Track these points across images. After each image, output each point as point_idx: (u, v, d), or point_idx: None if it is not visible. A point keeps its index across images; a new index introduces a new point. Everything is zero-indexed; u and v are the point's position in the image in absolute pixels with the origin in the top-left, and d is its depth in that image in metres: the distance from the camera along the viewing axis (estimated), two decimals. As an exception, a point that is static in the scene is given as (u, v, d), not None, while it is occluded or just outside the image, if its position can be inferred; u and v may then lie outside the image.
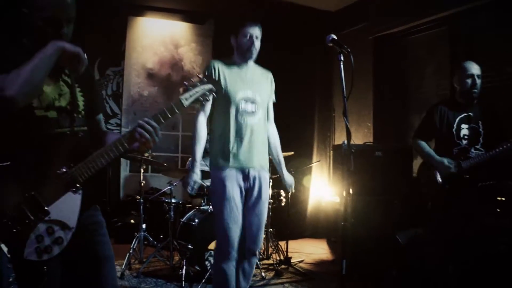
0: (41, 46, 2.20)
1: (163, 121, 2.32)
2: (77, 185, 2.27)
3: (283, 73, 7.72)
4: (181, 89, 2.43)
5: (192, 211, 5.61)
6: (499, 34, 5.77)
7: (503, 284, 4.31)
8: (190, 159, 3.86)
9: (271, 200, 5.98)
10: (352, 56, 3.07)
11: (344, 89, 3.07)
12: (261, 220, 3.92)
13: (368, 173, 5.87)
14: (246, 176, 3.81)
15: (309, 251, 6.97)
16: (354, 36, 7.84)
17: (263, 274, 5.46)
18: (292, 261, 6.05)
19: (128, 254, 5.45)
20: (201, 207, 5.62)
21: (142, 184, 5.77)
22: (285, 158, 5.81)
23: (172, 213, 5.59)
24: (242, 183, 3.80)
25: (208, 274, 4.93)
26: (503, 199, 4.85)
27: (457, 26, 6.31)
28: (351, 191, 3.00)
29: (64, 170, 2.26)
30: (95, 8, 6.98)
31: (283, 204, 6.27)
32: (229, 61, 3.91)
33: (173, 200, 5.71)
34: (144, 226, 5.70)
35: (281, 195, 6.22)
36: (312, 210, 8.27)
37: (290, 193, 6.29)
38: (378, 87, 7.43)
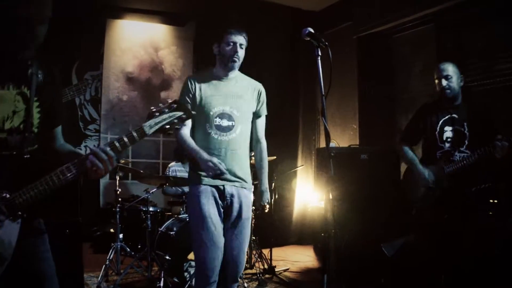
0: (14, 47, 2.10)
1: (120, 150, 2.15)
2: (17, 213, 2.08)
3: (266, 74, 7.61)
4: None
5: (171, 220, 5.39)
6: (487, 30, 5.65)
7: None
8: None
9: (253, 207, 5.77)
10: (331, 52, 2.83)
11: (322, 86, 2.81)
12: (242, 242, 3.65)
13: (354, 177, 5.69)
14: (222, 193, 3.56)
15: (294, 259, 6.77)
16: (338, 36, 7.73)
17: (246, 285, 5.25)
18: (276, 270, 5.86)
19: (104, 265, 5.21)
20: (180, 215, 5.40)
21: (118, 192, 5.52)
22: (268, 162, 5.64)
23: (149, 222, 5.35)
24: (219, 201, 3.56)
25: (187, 286, 4.71)
26: (496, 201, 4.74)
27: (444, 23, 6.19)
28: (331, 197, 2.78)
29: (5, 195, 2.07)
30: (72, 10, 6.73)
31: (266, 211, 6.06)
32: (209, 74, 3.70)
33: (150, 209, 5.48)
34: (121, 235, 5.46)
35: (264, 202, 6.03)
36: (297, 216, 8.09)
37: (273, 200, 6.10)
38: (363, 88, 7.28)
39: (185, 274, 4.86)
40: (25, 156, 2.18)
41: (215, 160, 3.38)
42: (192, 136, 3.61)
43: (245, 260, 3.78)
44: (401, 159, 4.65)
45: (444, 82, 4.22)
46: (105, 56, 7.64)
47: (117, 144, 2.14)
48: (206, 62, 7.47)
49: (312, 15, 8.08)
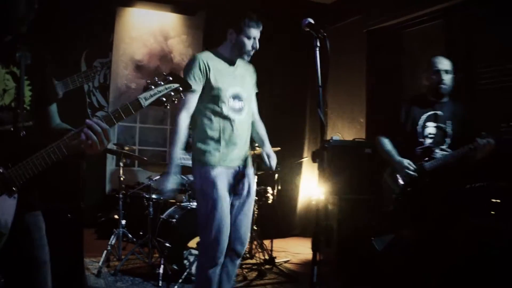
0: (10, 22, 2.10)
1: (115, 122, 2.13)
2: (13, 188, 2.09)
3: (275, 66, 7.61)
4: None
5: (173, 208, 5.43)
6: (499, 27, 5.55)
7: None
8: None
9: (257, 198, 5.80)
10: (331, 45, 2.84)
11: (320, 78, 2.81)
12: (249, 219, 3.80)
13: (357, 171, 5.70)
14: (235, 175, 3.67)
15: (296, 251, 6.76)
16: (348, 30, 7.70)
17: (246, 274, 5.28)
18: (277, 261, 5.85)
19: (105, 251, 5.27)
20: (182, 204, 5.43)
21: (122, 178, 5.56)
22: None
23: (151, 209, 5.40)
24: (231, 182, 3.65)
25: (186, 273, 4.74)
26: (498, 201, 4.69)
27: (453, 19, 6.11)
28: (324, 190, 2.79)
29: (1, 170, 2.07)
30: (83, -1, 6.82)
31: (270, 201, 6.09)
32: (217, 54, 3.70)
33: (153, 196, 5.51)
34: (124, 222, 5.50)
35: (268, 192, 6.04)
36: (301, 208, 8.09)
37: (276, 190, 6.11)
38: (371, 82, 7.23)
39: (185, 261, 4.88)
40: (22, 133, 2.18)
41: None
42: (197, 118, 3.62)
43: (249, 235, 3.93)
44: (378, 152, 4.46)
45: (445, 76, 4.14)
46: (115, 43, 7.67)
47: (112, 115, 2.13)
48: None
49: (323, 7, 8.03)
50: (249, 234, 3.85)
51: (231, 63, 3.70)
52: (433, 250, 4.22)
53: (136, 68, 7.76)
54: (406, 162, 4.12)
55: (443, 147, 4.12)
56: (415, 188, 4.14)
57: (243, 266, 5.43)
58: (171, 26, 7.99)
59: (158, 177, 5.55)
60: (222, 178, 3.55)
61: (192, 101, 3.51)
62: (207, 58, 3.61)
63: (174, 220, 5.10)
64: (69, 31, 6.98)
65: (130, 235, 5.58)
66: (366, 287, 5.13)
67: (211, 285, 3.57)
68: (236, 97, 3.63)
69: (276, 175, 6.09)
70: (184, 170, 5.51)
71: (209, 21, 7.99)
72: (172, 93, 2.21)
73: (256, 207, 5.95)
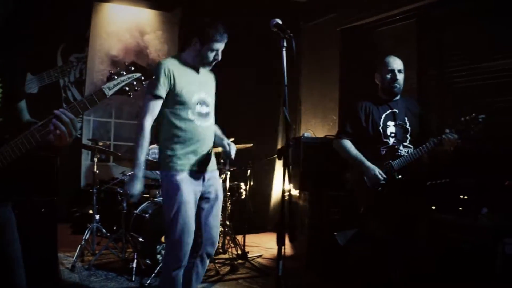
0: None
1: (81, 112, 2.20)
2: None
3: (249, 62, 7.66)
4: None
5: (146, 203, 5.47)
6: (468, 27, 5.70)
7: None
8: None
9: (228, 193, 5.88)
10: (294, 42, 2.91)
11: (286, 77, 2.89)
12: (218, 220, 3.89)
13: (328, 167, 5.77)
14: (202, 179, 3.71)
15: (269, 246, 6.84)
16: (322, 28, 7.79)
17: (218, 269, 5.35)
18: (249, 256, 5.93)
19: (80, 245, 5.30)
20: (156, 199, 5.48)
21: (96, 173, 5.60)
22: (246, 149, 5.71)
23: (125, 204, 5.45)
24: (197, 187, 3.68)
25: (158, 267, 4.80)
26: (465, 197, 4.79)
27: (426, 19, 6.23)
28: (288, 185, 2.87)
29: None
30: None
31: (243, 197, 6.16)
32: (181, 60, 3.72)
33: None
34: (98, 217, 5.54)
35: (241, 188, 6.12)
36: (275, 204, 8.14)
37: (248, 186, 6.19)
38: (344, 80, 7.32)
39: (158, 256, 4.94)
40: None
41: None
42: (164, 123, 3.65)
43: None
44: (342, 155, 4.39)
45: (398, 76, 4.18)
46: (91, 39, 7.69)
47: (77, 106, 2.19)
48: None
49: (298, 6, 8.10)
50: (218, 234, 3.92)
51: (195, 69, 3.74)
52: (399, 245, 4.33)
53: (112, 63, 7.78)
54: (377, 171, 4.09)
55: (406, 143, 4.16)
56: (386, 189, 4.15)
57: (216, 261, 5.50)
58: (147, 22, 8.02)
59: (131, 172, 5.59)
60: (187, 183, 3.59)
61: (156, 106, 3.54)
62: (172, 64, 3.64)
63: (147, 215, 5.15)
64: (46, 25, 6.97)
65: (104, 230, 5.61)
66: (335, 281, 5.21)
67: (175, 286, 3.64)
68: (202, 102, 3.69)
69: (249, 171, 6.16)
70: (158, 165, 5.57)
71: (185, 17, 8.03)
72: (135, 82, 2.30)
73: (229, 202, 6.03)
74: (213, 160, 3.84)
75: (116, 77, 2.27)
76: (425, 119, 4.29)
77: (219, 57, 3.69)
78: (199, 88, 3.68)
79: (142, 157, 3.53)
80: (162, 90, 3.51)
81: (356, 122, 4.32)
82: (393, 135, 4.18)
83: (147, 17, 8.02)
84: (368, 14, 6.82)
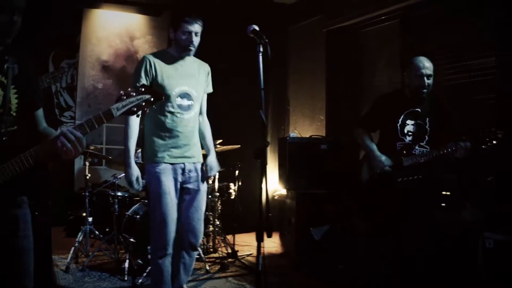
0: None
1: (88, 131, 2.30)
2: None
3: (236, 62, 7.75)
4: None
5: (138, 204, 5.57)
6: (452, 28, 5.80)
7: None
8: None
9: (217, 193, 5.99)
10: (270, 48, 3.06)
11: (262, 81, 3.02)
12: (200, 213, 4.00)
13: (314, 166, 5.92)
14: (182, 170, 3.87)
15: (259, 244, 6.92)
16: (309, 29, 7.89)
17: (208, 268, 5.46)
18: (239, 254, 6.03)
19: (73, 247, 5.41)
20: (146, 200, 5.58)
21: (88, 177, 5.72)
22: (234, 150, 5.82)
23: (116, 206, 5.56)
24: (178, 178, 3.85)
25: (150, 267, 4.92)
26: (448, 193, 4.90)
27: (409, 19, 6.33)
28: (264, 184, 3.01)
29: None
30: (50, 0, 6.94)
31: (232, 197, 6.28)
32: (165, 54, 3.87)
33: (118, 193, 5.70)
34: (90, 219, 5.67)
35: (230, 188, 6.23)
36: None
37: (237, 186, 6.31)
38: (331, 80, 7.42)
39: (149, 256, 5.04)
40: (3, 138, 2.33)
41: None
42: (148, 116, 3.82)
43: (203, 228, 4.11)
44: (359, 144, 4.66)
45: (426, 81, 4.22)
46: (81, 44, 7.77)
47: (85, 125, 2.29)
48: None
49: (284, 7, 8.18)
50: (202, 227, 4.04)
51: (178, 61, 3.85)
52: (384, 241, 4.45)
53: (102, 69, 7.89)
54: (383, 157, 4.33)
55: (422, 143, 4.30)
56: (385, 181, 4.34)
57: (206, 260, 5.61)
58: (137, 27, 8.12)
59: (123, 174, 5.70)
60: (167, 174, 3.76)
61: None
62: (154, 57, 3.79)
63: (138, 216, 5.26)
64: (37, 32, 7.07)
65: (97, 232, 5.73)
66: (323, 279, 5.29)
67: (162, 275, 3.82)
68: (184, 95, 3.81)
69: (237, 172, 6.29)
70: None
71: (174, 21, 8.11)
72: (143, 103, 2.37)
73: (219, 203, 6.15)
74: (196, 151, 3.97)
75: (125, 98, 2.33)
76: (449, 122, 4.34)
77: (194, 40, 3.76)
78: (181, 81, 3.81)
79: (129, 144, 3.74)
80: (144, 82, 3.63)
81: (376, 115, 4.50)
82: (410, 133, 4.31)
83: (137, 22, 8.12)
84: (353, 15, 6.90)
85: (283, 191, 6.47)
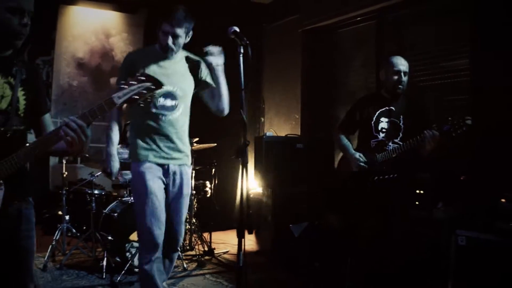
0: (7, 34, 2.34)
1: (91, 119, 2.29)
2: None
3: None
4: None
5: (115, 202, 5.60)
6: (427, 29, 5.90)
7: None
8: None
9: (194, 191, 6.02)
10: (251, 49, 3.06)
11: (243, 82, 3.04)
12: (181, 216, 3.93)
13: (290, 165, 5.99)
14: (166, 171, 3.77)
15: (235, 242, 6.79)
16: (285, 29, 7.95)
17: (185, 265, 5.51)
18: (216, 252, 6.09)
19: (51, 246, 5.42)
20: (124, 198, 5.61)
21: (65, 175, 5.72)
22: (210, 149, 5.86)
23: (94, 204, 5.56)
24: (163, 178, 3.76)
25: (128, 265, 4.95)
26: (421, 192, 4.99)
27: (384, 20, 6.42)
28: (245, 183, 3.07)
29: None
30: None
31: (208, 196, 6.33)
32: (151, 51, 3.79)
33: (95, 191, 5.69)
34: (67, 217, 5.65)
35: (206, 186, 6.28)
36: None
37: (214, 185, 6.36)
38: (306, 80, 7.51)
39: (127, 254, 5.06)
40: (7, 135, 2.36)
41: None
42: (131, 115, 3.84)
43: (184, 231, 4.07)
44: (336, 146, 4.85)
45: (402, 78, 4.37)
46: (57, 41, 7.70)
47: (87, 114, 2.27)
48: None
49: (261, 7, 8.27)
50: (183, 230, 4.00)
51: (164, 59, 3.76)
52: (355, 238, 4.59)
53: (78, 66, 7.84)
54: (357, 155, 4.46)
55: (396, 140, 4.41)
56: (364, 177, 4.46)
57: (183, 258, 5.66)
58: (113, 24, 8.09)
59: (99, 173, 5.70)
60: (150, 173, 3.68)
61: None
62: (137, 55, 3.79)
63: (115, 214, 5.29)
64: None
65: (74, 230, 5.74)
66: (299, 276, 5.38)
67: (151, 278, 3.69)
68: (167, 95, 3.71)
69: (213, 170, 6.34)
70: (124, 165, 5.69)
71: (150, 19, 8.07)
72: (145, 91, 2.35)
73: (195, 201, 6.20)
74: (183, 154, 3.86)
75: (126, 87, 2.33)
76: (424, 120, 4.40)
77: (170, 41, 3.64)
78: (167, 80, 3.64)
79: (112, 135, 3.78)
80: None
81: (352, 117, 4.63)
82: (384, 130, 4.43)
83: (112, 19, 8.08)
84: (329, 16, 6.97)
85: (258, 189, 6.52)
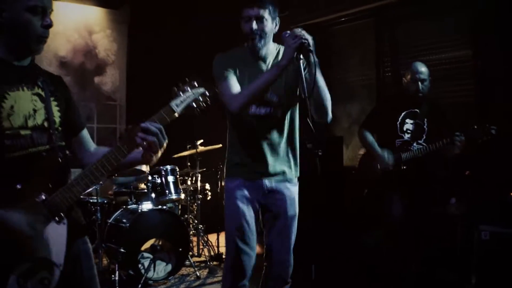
0: (29, 39, 2.09)
1: (168, 119, 2.13)
2: (61, 214, 2.02)
3: (207, 66, 7.59)
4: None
5: (119, 211, 5.36)
6: (426, 27, 5.96)
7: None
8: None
9: (200, 195, 5.86)
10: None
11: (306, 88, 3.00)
12: (287, 241, 3.26)
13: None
14: (260, 189, 3.20)
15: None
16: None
17: (198, 273, 5.32)
18: (224, 257, 5.91)
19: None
20: (129, 206, 5.37)
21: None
22: (214, 150, 5.71)
23: (99, 214, 5.30)
24: (256, 197, 3.21)
25: (144, 278, 4.74)
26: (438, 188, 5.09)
27: (383, 18, 6.42)
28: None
29: (43, 197, 2.00)
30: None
31: (208, 198, 6.17)
32: (242, 53, 3.25)
33: (100, 200, 5.41)
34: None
35: (206, 189, 6.14)
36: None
37: (220, 187, 6.24)
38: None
39: (139, 266, 4.86)
40: (58, 154, 2.12)
41: None
42: (228, 123, 3.32)
43: (292, 260, 3.30)
44: (361, 143, 4.89)
45: (420, 86, 4.48)
46: (38, 39, 7.35)
47: (163, 113, 2.11)
48: (141, 46, 7.32)
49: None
50: (291, 258, 3.30)
51: (256, 60, 3.24)
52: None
53: (60, 65, 7.46)
54: (386, 154, 4.53)
55: (420, 141, 4.53)
56: (391, 175, 4.54)
57: (194, 265, 5.46)
58: (95, 21, 7.75)
59: (102, 180, 5.45)
60: (241, 191, 3.20)
61: None
62: (228, 57, 3.27)
63: (125, 224, 5.04)
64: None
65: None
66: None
67: None
68: (260, 102, 3.18)
69: (219, 172, 6.20)
70: (130, 171, 5.45)
71: (134, 14, 7.81)
72: (200, 98, 2.21)
73: (195, 204, 6.09)
74: (281, 168, 3.23)
75: (181, 94, 2.16)
76: (445, 123, 4.58)
77: (257, 26, 3.07)
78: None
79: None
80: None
81: (377, 115, 4.74)
82: (409, 131, 4.56)
83: (95, 15, 7.74)
84: (323, 12, 6.87)
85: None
